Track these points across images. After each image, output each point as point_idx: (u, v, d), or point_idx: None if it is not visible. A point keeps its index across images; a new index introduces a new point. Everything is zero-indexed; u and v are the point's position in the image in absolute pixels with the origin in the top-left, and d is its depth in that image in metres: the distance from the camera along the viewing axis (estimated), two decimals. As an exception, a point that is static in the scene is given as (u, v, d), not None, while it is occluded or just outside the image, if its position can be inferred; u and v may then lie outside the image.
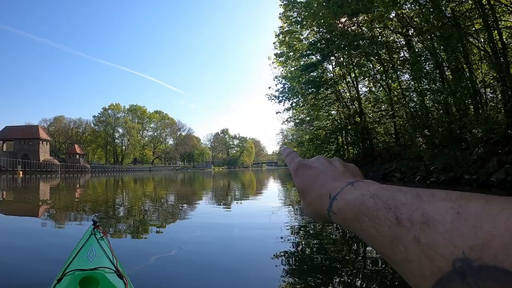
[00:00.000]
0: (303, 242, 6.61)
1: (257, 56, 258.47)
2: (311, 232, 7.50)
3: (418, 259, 0.35)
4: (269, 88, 49.87)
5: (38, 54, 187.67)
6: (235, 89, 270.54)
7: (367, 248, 5.62)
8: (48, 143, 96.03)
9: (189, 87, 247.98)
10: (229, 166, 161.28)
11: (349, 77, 35.03)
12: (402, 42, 29.58)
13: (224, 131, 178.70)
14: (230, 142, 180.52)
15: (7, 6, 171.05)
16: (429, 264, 0.33)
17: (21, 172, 66.84)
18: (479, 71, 22.58)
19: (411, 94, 28.78)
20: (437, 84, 25.30)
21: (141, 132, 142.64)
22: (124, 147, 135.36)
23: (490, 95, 22.29)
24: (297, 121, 41.72)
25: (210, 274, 4.64)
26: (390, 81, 30.24)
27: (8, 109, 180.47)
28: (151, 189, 25.21)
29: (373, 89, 34.64)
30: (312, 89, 35.19)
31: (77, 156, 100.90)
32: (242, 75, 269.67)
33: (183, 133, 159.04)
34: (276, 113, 41.90)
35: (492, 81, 21.23)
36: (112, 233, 7.37)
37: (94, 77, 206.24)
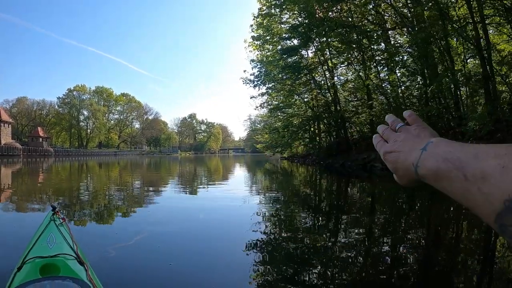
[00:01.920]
0: (275, 231, 6.51)
1: (231, 42, 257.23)
2: (283, 220, 7.46)
3: (483, 203, 0.51)
4: (244, 71, 49.22)
5: (1, 32, 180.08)
6: (206, 74, 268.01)
7: (339, 236, 5.90)
8: (10, 126, 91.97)
9: (159, 71, 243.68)
10: (196, 152, 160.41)
11: (326, 65, 34.15)
12: (379, 33, 29.28)
13: (192, 116, 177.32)
14: (198, 127, 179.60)
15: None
16: (490, 206, 0.49)
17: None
18: (460, 66, 22.58)
19: (387, 85, 28.77)
20: (416, 76, 25.52)
21: (107, 115, 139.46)
22: (89, 131, 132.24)
23: (470, 90, 22.42)
24: (270, 107, 41.41)
25: (176, 263, 4.51)
26: (368, 71, 30.08)
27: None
28: (116, 175, 24.93)
29: (351, 77, 34.35)
30: (291, 74, 34.61)
31: (40, 139, 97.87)
32: (214, 60, 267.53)
33: (150, 117, 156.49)
34: (251, 97, 41.54)
35: (477, 76, 21.24)
36: (73, 219, 7.25)
37: (60, 57, 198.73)
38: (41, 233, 2.87)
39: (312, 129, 38.96)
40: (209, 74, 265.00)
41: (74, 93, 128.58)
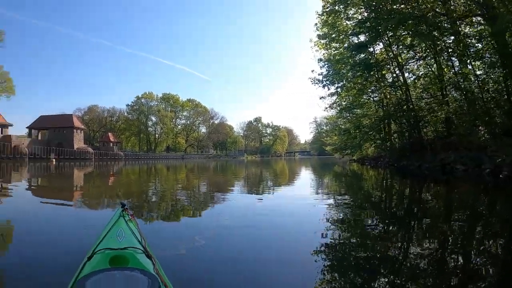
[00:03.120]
0: (344, 236, 6.17)
1: (291, 42, 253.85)
2: (352, 225, 7.08)
3: None
4: (312, 71, 48.40)
5: (75, 47, 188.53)
6: (269, 77, 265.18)
7: (412, 244, 5.57)
8: (82, 132, 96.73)
9: (222, 76, 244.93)
10: (262, 155, 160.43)
11: (396, 61, 32.36)
12: (449, 24, 27.22)
13: (257, 120, 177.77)
14: (263, 131, 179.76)
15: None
16: None
17: (54, 160, 67.68)
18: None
19: (460, 80, 26.73)
20: (494, 69, 23.62)
21: (174, 120, 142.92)
22: (157, 135, 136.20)
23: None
24: (340, 107, 40.45)
25: (242, 265, 4.47)
26: (443, 65, 28.15)
27: (44, 99, 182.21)
28: (183, 177, 25.26)
29: (422, 72, 32.30)
30: (362, 72, 33.13)
31: (111, 144, 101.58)
32: (277, 63, 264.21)
33: (216, 121, 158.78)
34: (320, 98, 40.74)
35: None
36: (142, 217, 7.50)
37: (126, 67, 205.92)
38: (111, 227, 3.00)
39: (383, 129, 37.49)
40: (271, 76, 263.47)
41: (142, 100, 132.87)
